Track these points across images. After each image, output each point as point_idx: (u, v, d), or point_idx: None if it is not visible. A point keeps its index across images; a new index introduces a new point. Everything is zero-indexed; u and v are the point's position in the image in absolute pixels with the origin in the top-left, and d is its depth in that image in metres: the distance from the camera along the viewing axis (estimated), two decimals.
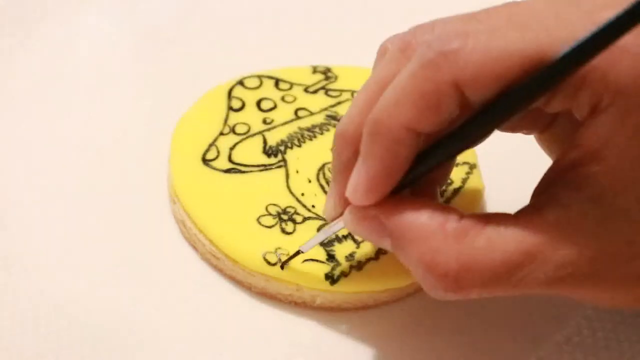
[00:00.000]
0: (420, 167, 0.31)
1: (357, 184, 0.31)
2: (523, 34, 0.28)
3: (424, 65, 0.29)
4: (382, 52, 0.33)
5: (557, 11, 0.28)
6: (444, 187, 0.39)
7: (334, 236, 0.37)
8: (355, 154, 0.31)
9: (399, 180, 0.30)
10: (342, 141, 0.33)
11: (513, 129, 0.35)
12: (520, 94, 0.28)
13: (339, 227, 0.34)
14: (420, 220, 0.30)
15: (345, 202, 0.33)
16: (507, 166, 0.42)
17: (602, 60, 0.27)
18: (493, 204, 0.40)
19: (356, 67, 0.44)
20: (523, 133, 0.35)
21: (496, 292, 0.29)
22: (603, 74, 0.27)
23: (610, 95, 0.28)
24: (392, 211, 0.30)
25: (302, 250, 0.36)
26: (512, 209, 0.41)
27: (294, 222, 0.38)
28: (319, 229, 0.37)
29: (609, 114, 0.28)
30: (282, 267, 0.36)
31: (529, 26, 0.28)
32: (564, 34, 0.27)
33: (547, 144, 0.35)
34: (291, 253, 0.36)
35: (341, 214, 0.33)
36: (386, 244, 0.31)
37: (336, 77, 0.44)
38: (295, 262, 0.36)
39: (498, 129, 0.35)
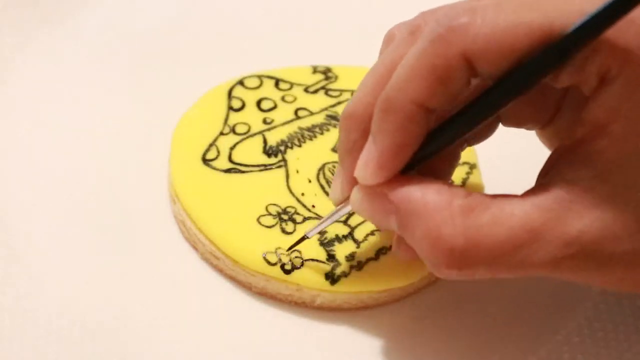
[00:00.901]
0: (430, 146, 0.31)
1: (367, 161, 0.31)
2: (531, 7, 0.28)
3: (433, 41, 0.29)
4: (389, 38, 0.33)
5: None
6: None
7: (334, 236, 0.37)
8: (364, 134, 0.32)
9: (409, 159, 0.31)
10: (350, 122, 0.33)
11: (517, 123, 0.35)
12: (532, 67, 0.28)
13: (345, 210, 0.34)
14: (428, 196, 0.30)
15: (353, 184, 0.33)
16: (507, 166, 0.42)
17: (610, 31, 0.27)
18: None
19: (356, 67, 0.44)
20: (526, 128, 0.35)
21: (501, 271, 0.29)
22: (611, 44, 0.27)
23: (618, 66, 0.28)
24: (400, 187, 0.30)
25: (307, 235, 0.36)
26: None
27: (294, 222, 0.38)
28: None
29: (616, 84, 0.28)
30: (287, 255, 0.36)
31: (536, 0, 0.28)
32: (572, 7, 0.27)
33: (549, 138, 0.35)
34: (292, 253, 0.37)
35: (348, 197, 0.33)
36: (392, 223, 0.31)
37: (336, 77, 0.44)
38: (296, 263, 0.36)
39: (504, 124, 0.35)
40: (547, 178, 0.30)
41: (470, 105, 0.30)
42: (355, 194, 0.32)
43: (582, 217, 0.28)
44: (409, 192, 0.30)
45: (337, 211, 0.35)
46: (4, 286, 0.36)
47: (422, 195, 0.30)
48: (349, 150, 0.33)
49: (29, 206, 0.40)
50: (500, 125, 0.36)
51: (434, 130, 0.31)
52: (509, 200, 0.29)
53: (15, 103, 0.44)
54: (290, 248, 0.36)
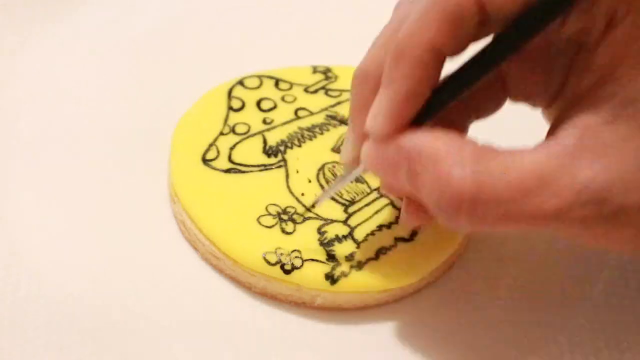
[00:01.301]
0: (441, 95, 0.31)
1: (378, 111, 0.31)
2: None
3: None
4: (397, 6, 0.34)
5: None
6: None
7: (334, 236, 0.37)
8: (374, 91, 0.32)
9: (420, 108, 0.31)
10: (361, 79, 0.33)
11: (525, 97, 0.35)
12: (542, 9, 0.28)
13: (356, 172, 0.34)
14: (439, 142, 0.29)
15: (364, 140, 0.33)
16: None
17: None
18: None
19: None
20: (533, 104, 0.35)
21: (510, 220, 0.29)
22: None
23: (625, 7, 0.28)
24: (410, 135, 0.30)
25: (316, 204, 0.36)
26: None
27: (294, 222, 0.38)
28: (319, 229, 0.37)
29: (623, 26, 0.28)
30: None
31: None
32: None
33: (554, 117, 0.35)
34: (291, 253, 0.37)
35: (358, 158, 0.33)
36: (402, 175, 0.31)
37: (336, 77, 0.44)
38: (296, 263, 0.36)
39: (512, 99, 0.35)
40: (557, 129, 0.30)
41: (482, 51, 0.30)
42: (366, 148, 0.32)
43: (591, 165, 0.28)
44: (419, 138, 0.30)
45: (346, 175, 0.34)
46: (4, 286, 0.37)
47: (433, 141, 0.30)
48: (360, 107, 0.33)
49: (30, 206, 0.40)
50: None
51: (444, 80, 0.31)
52: (519, 151, 0.29)
53: (15, 103, 0.44)
54: (310, 207, 0.36)
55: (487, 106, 0.35)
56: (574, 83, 0.31)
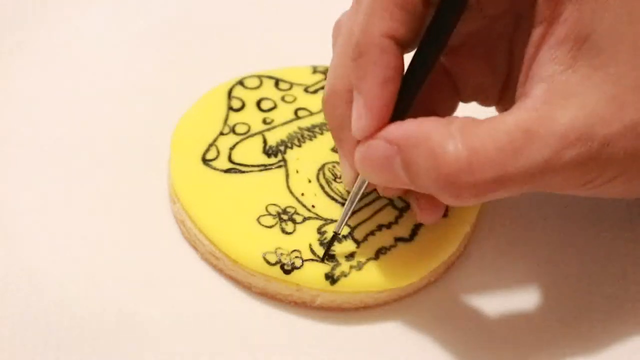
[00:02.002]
0: (411, 82, 0.32)
1: (359, 113, 0.31)
2: None
3: None
4: (337, 29, 0.35)
5: None
6: None
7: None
8: (349, 104, 0.32)
9: (396, 96, 0.31)
10: (332, 98, 0.34)
11: (474, 92, 0.36)
12: None
13: (359, 184, 0.35)
14: (425, 125, 0.30)
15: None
16: None
17: None
18: (493, 204, 0.40)
19: None
20: (484, 102, 0.37)
21: (511, 181, 0.29)
22: None
23: None
24: (397, 128, 0.31)
25: (337, 232, 0.36)
26: (511, 208, 0.41)
27: (294, 222, 0.38)
28: (319, 229, 0.37)
29: None
30: (324, 259, 0.36)
31: None
32: None
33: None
34: (292, 253, 0.36)
35: (357, 175, 0.34)
36: (398, 169, 0.31)
37: None
38: (296, 263, 0.36)
39: (463, 100, 0.37)
40: (524, 88, 0.31)
41: (427, 30, 0.31)
42: (358, 153, 0.32)
43: (567, 108, 0.29)
44: (406, 127, 0.31)
45: (353, 193, 0.35)
46: (4, 286, 0.37)
47: (420, 124, 0.30)
48: (341, 125, 0.34)
49: (30, 206, 0.40)
50: None
51: (408, 69, 0.32)
52: (499, 115, 0.30)
53: (14, 101, 0.44)
54: (325, 254, 0.36)
55: (440, 110, 0.36)
56: (519, 57, 0.32)
